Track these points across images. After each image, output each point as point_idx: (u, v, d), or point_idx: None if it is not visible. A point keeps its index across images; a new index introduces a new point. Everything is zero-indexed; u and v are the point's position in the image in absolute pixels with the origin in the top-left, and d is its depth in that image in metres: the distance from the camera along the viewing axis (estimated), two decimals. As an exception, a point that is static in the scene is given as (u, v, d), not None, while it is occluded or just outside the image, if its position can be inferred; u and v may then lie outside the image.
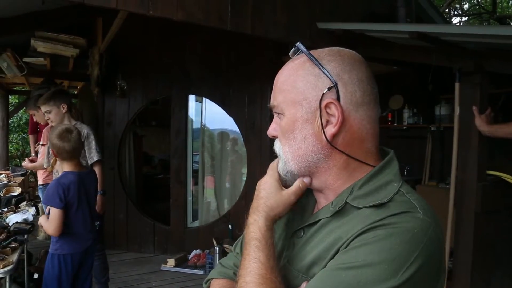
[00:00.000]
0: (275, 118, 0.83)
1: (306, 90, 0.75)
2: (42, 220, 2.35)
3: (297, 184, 0.79)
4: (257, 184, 0.83)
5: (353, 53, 0.80)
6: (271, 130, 0.83)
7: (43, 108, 3.17)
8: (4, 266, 2.15)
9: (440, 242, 0.67)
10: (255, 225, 0.77)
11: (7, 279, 2.19)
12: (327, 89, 0.74)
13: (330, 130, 0.74)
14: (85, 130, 3.23)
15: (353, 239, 0.66)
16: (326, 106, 0.73)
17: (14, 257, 2.27)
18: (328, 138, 0.74)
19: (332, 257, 0.68)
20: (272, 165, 0.84)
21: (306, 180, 0.79)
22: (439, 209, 2.72)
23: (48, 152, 3.32)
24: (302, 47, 0.79)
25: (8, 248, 2.34)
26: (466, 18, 13.21)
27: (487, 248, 2.59)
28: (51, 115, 3.16)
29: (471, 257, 2.49)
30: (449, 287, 2.71)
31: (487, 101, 2.54)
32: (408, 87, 4.47)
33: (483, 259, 2.56)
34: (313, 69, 0.76)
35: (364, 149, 0.76)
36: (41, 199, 3.54)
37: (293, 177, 0.80)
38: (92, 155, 3.19)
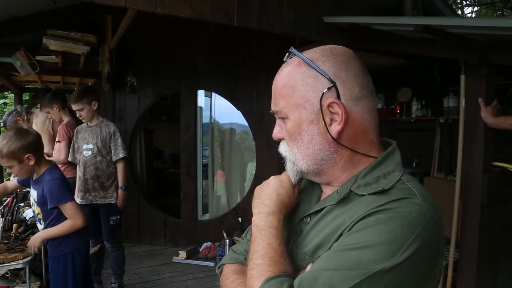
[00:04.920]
0: (278, 122, 0.87)
1: (307, 93, 0.79)
2: (51, 231, 2.23)
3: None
4: (273, 178, 0.89)
5: (345, 49, 0.83)
6: (276, 133, 0.87)
7: (76, 106, 3.27)
8: (24, 257, 2.24)
9: (438, 227, 0.71)
10: (273, 215, 0.82)
11: (27, 269, 2.29)
12: (326, 89, 0.77)
13: (336, 127, 0.78)
14: (111, 127, 3.34)
15: (356, 223, 0.71)
16: (329, 105, 0.77)
17: (32, 249, 2.36)
18: (334, 136, 0.78)
19: (336, 240, 0.73)
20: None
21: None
22: (447, 201, 2.75)
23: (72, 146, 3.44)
24: (296, 51, 0.82)
25: (26, 240, 2.43)
26: (478, 8, 12.98)
27: (493, 239, 2.61)
28: (83, 112, 3.28)
29: (477, 248, 2.52)
30: (455, 278, 2.74)
31: (494, 93, 2.55)
32: (416, 80, 4.46)
33: (489, 250, 2.57)
34: (310, 72, 0.79)
35: (367, 140, 0.81)
36: None
37: (303, 175, 0.86)
38: (118, 151, 3.29)
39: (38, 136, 2.23)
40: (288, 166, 0.86)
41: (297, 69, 0.81)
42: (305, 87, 0.79)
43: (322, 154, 0.80)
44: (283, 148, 0.86)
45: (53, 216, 2.25)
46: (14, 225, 2.65)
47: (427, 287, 0.71)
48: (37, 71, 4.10)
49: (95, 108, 3.30)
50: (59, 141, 3.70)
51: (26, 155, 2.13)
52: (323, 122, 0.78)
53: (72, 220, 2.22)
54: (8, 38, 3.63)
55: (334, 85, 0.77)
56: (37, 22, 3.46)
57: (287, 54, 0.85)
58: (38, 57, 4.01)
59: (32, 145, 2.15)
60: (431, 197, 0.74)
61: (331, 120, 0.78)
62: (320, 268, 0.69)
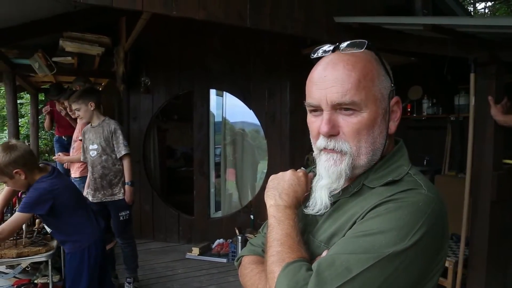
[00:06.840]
0: (331, 116, 0.82)
1: (382, 88, 0.85)
2: None
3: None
4: (291, 173, 0.95)
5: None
6: (331, 129, 0.82)
7: (73, 106, 3.40)
8: (47, 251, 2.35)
9: (442, 214, 0.79)
10: (290, 209, 0.89)
11: (49, 263, 2.39)
12: (391, 89, 0.85)
13: (394, 124, 0.87)
14: (112, 125, 3.42)
15: (368, 212, 0.78)
16: (396, 103, 0.86)
17: (54, 243, 2.47)
18: (392, 132, 0.87)
19: (350, 228, 0.80)
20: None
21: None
22: (458, 199, 2.78)
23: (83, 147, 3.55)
24: (373, 48, 0.86)
25: (48, 235, 2.54)
26: (492, 4, 12.80)
27: (503, 236, 2.63)
28: (80, 112, 3.39)
29: (486, 245, 2.54)
30: (466, 275, 2.77)
31: (504, 91, 2.57)
32: (427, 78, 4.47)
33: (498, 246, 2.60)
34: (381, 69, 0.85)
35: (391, 138, 0.90)
36: None
37: (354, 170, 0.84)
38: (120, 149, 3.37)
39: (25, 151, 2.19)
40: (344, 163, 0.83)
41: (372, 64, 0.84)
42: (381, 82, 0.84)
43: (381, 148, 0.86)
44: (341, 144, 0.82)
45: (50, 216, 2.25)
46: (37, 220, 2.75)
47: (433, 269, 0.78)
48: (54, 72, 4.22)
49: (91, 109, 3.36)
50: (81, 140, 3.82)
51: (15, 171, 2.13)
52: (387, 118, 0.85)
53: (5, 226, 2.13)
54: (28, 40, 3.75)
55: (394, 86, 0.86)
56: (54, 24, 3.56)
57: (349, 42, 0.84)
58: (54, 59, 4.13)
59: (19, 160, 2.13)
60: (435, 188, 0.82)
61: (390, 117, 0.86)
62: (337, 252, 0.76)
